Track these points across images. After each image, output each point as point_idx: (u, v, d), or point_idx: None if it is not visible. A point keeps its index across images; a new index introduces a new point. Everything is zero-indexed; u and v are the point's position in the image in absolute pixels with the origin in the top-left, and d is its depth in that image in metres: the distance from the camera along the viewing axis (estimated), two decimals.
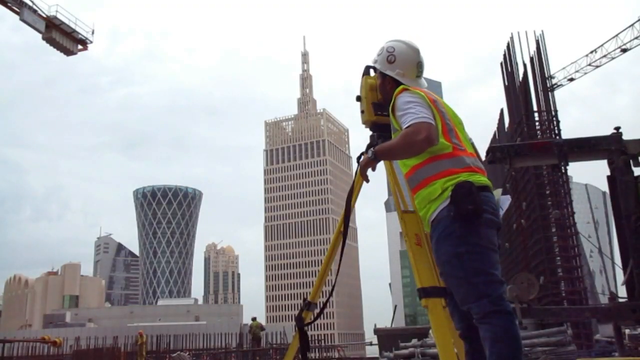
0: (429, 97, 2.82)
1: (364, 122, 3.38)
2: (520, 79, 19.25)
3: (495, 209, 2.73)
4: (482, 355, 2.61)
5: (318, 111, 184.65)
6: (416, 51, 3.04)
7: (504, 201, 2.91)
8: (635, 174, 4.98)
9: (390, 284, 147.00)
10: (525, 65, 19.25)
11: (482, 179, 2.72)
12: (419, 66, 3.05)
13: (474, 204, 2.55)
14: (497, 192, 2.86)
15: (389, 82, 3.07)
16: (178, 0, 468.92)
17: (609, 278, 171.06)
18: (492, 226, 2.66)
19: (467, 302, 2.59)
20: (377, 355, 16.99)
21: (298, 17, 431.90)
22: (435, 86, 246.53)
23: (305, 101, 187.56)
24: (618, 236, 5.12)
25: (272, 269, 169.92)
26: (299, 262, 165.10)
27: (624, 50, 27.50)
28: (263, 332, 26.90)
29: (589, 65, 28.58)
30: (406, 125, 2.66)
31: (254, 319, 27.16)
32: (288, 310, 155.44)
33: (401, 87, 2.91)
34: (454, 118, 2.90)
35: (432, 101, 2.82)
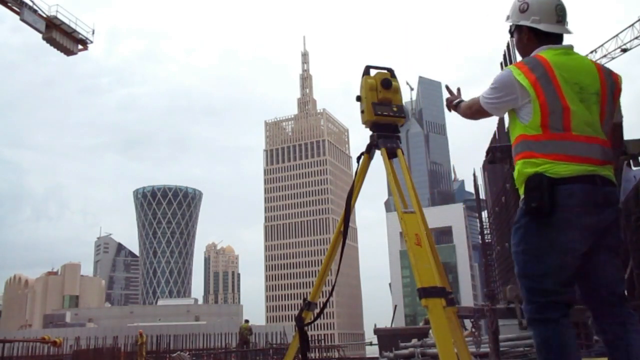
0: (529, 78, 2.45)
1: (364, 122, 3.38)
2: None
3: (586, 204, 2.37)
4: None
5: (318, 111, 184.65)
6: None
7: (628, 179, 2.51)
8: None
9: (390, 284, 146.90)
10: None
11: (573, 167, 2.39)
12: (558, 10, 2.60)
13: (538, 201, 2.36)
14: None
15: (526, 35, 2.67)
16: (177, 0, 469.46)
17: None
18: (566, 227, 2.38)
19: (522, 299, 2.57)
20: (377, 355, 16.97)
21: (298, 17, 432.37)
22: (436, 86, 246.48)
23: (305, 101, 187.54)
24: None
25: (272, 269, 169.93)
26: (299, 262, 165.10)
27: (624, 50, 27.57)
28: (251, 335, 27.77)
29: None
30: (477, 98, 2.76)
31: (246, 321, 28.44)
32: (288, 310, 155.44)
33: (514, 64, 2.58)
34: (578, 93, 2.46)
35: (533, 82, 2.44)
